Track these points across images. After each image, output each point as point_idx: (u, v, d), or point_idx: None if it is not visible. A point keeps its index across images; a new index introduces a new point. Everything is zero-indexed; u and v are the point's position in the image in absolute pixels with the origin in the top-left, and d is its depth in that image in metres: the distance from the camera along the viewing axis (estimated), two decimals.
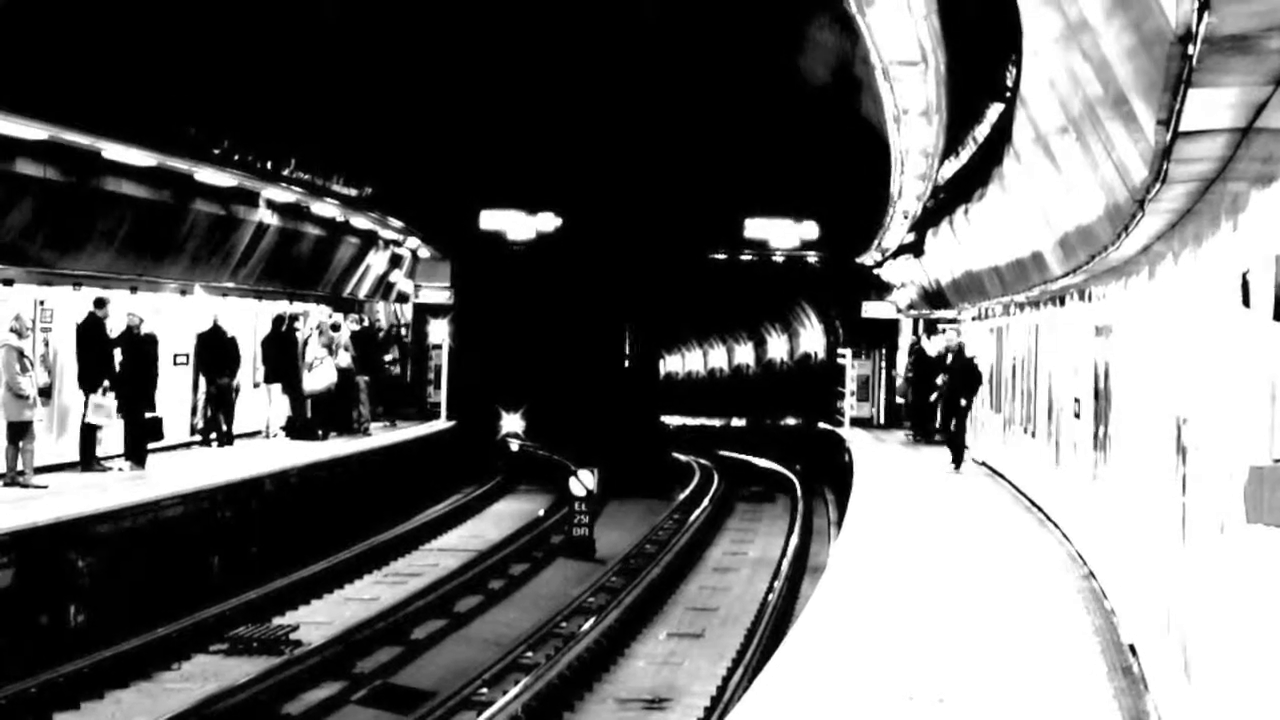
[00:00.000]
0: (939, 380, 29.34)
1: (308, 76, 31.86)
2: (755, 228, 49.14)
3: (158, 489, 22.22)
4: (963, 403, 29.01)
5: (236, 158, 26.78)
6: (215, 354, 29.15)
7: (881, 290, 45.06)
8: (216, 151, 25.99)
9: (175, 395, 28.43)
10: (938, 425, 31.72)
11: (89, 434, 24.12)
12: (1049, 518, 21.97)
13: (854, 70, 34.99)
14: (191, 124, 25.29)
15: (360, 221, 36.15)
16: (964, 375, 29.02)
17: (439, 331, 43.10)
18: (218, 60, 26.84)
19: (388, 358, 38.38)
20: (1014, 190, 18.78)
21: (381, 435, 34.77)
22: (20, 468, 21.64)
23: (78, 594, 18.96)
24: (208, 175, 25.99)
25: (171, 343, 28.14)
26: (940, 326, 37.07)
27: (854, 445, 35.73)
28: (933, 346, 29.67)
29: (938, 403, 29.79)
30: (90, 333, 23.84)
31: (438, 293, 45.28)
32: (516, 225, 48.35)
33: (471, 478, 39.85)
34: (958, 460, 28.88)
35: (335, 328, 33.12)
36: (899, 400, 43.22)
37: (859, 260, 45.08)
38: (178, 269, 28.06)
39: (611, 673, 19.07)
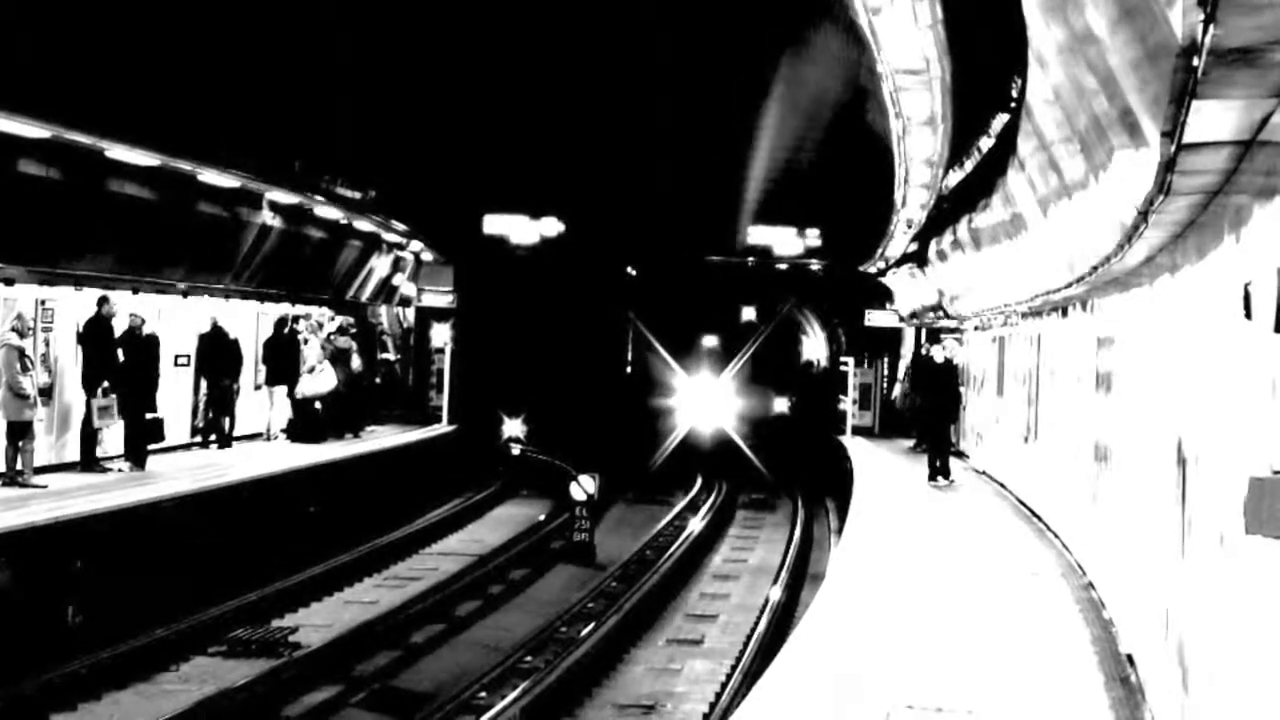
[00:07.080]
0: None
1: (312, 79, 31.87)
2: (759, 234, 49.11)
3: (158, 490, 22.21)
4: (948, 411, 29.06)
5: (240, 160, 26.78)
6: (217, 356, 29.16)
7: (884, 299, 45.03)
8: (220, 153, 25.98)
9: (176, 396, 28.42)
10: (923, 435, 31.65)
11: (90, 434, 24.13)
12: (1049, 527, 21.96)
13: (860, 79, 35.02)
14: (195, 125, 25.29)
15: (363, 225, 36.15)
16: (948, 383, 29.05)
17: (441, 335, 43.09)
18: (222, 62, 26.86)
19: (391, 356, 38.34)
20: (1017, 200, 18.77)
21: (383, 439, 34.74)
22: (20, 467, 21.66)
23: (76, 594, 18.95)
24: (211, 177, 25.98)
25: (173, 344, 28.14)
26: (942, 335, 37.03)
27: (855, 453, 35.70)
28: (939, 354, 29.54)
29: (915, 411, 29.62)
30: (95, 332, 23.84)
31: (440, 297, 45.26)
32: (520, 230, 48.33)
33: (472, 482, 39.79)
34: (945, 471, 28.52)
35: (322, 328, 33.18)
36: (898, 408, 43.12)
37: (862, 269, 45.06)
38: (180, 270, 28.06)
39: (610, 678, 19.07)
